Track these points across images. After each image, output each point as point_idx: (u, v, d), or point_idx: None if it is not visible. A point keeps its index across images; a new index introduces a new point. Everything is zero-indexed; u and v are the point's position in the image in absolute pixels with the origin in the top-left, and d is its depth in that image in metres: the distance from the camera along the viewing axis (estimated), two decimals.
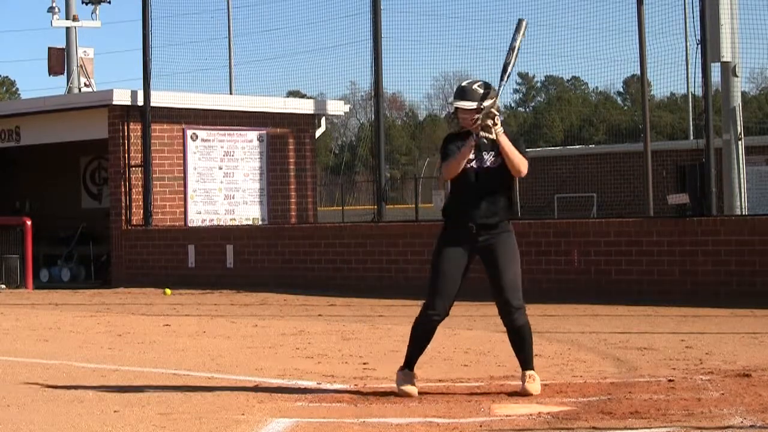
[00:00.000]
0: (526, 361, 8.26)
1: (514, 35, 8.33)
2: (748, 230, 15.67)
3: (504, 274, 8.15)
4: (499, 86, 8.25)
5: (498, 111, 8.10)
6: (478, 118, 8.09)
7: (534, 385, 8.17)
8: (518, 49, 8.31)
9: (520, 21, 8.37)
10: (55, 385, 9.13)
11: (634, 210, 30.30)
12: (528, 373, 8.21)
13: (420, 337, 8.34)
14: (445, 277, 8.18)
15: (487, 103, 8.10)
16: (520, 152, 8.16)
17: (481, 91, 8.14)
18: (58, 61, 28.44)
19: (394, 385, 8.34)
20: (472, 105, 8.12)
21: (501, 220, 8.21)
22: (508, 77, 8.29)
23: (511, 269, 8.17)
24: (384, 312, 15.83)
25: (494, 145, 8.15)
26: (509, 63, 8.29)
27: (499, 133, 8.07)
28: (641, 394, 8.15)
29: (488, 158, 8.18)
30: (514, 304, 8.16)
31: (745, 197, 17.90)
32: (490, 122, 8.04)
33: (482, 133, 8.04)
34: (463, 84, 8.26)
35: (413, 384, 8.26)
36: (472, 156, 8.15)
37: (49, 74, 28.76)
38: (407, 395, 8.17)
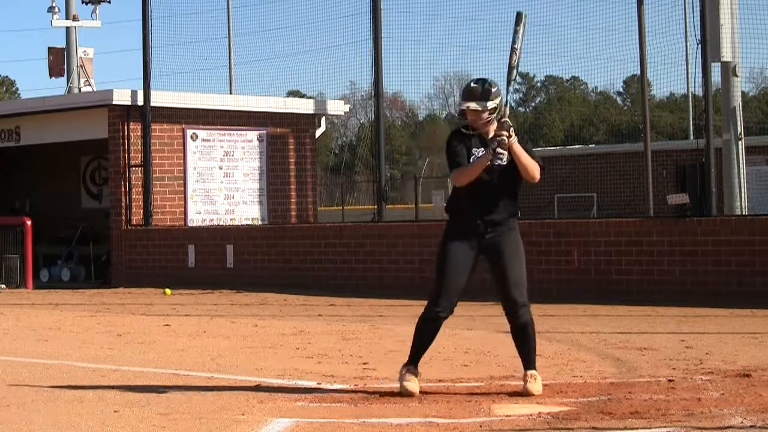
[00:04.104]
0: (528, 360, 8.25)
1: (514, 35, 8.30)
2: (748, 230, 15.66)
3: (509, 270, 8.14)
4: (507, 91, 8.22)
5: (509, 122, 8.08)
6: (488, 122, 8.07)
7: (535, 384, 8.16)
8: (521, 49, 8.29)
9: (519, 15, 8.31)
10: (55, 385, 9.13)
11: (634, 210, 30.28)
12: (530, 372, 8.20)
13: (425, 335, 8.32)
14: (452, 274, 8.17)
15: (491, 104, 8.09)
16: (532, 158, 8.16)
17: (491, 89, 8.12)
18: (58, 62, 28.45)
19: (394, 385, 8.34)
20: (482, 106, 8.10)
21: (508, 218, 8.21)
22: (514, 80, 8.26)
23: (516, 265, 8.17)
24: (384, 312, 15.83)
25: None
26: (514, 66, 8.26)
27: (513, 143, 8.04)
28: (641, 394, 8.15)
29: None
30: (519, 300, 8.16)
31: (745, 197, 17.89)
32: (505, 134, 8.00)
33: (498, 150, 7.98)
34: (472, 85, 8.21)
35: (415, 380, 8.24)
36: (480, 154, 8.13)
37: (50, 76, 28.79)
38: (408, 392, 8.15)
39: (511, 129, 8.04)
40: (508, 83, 8.23)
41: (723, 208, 17.69)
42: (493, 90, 8.13)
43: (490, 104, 8.10)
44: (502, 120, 8.06)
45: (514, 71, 8.25)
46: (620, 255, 16.59)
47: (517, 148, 8.07)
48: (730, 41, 17.46)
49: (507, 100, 8.16)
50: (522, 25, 8.27)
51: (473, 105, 8.12)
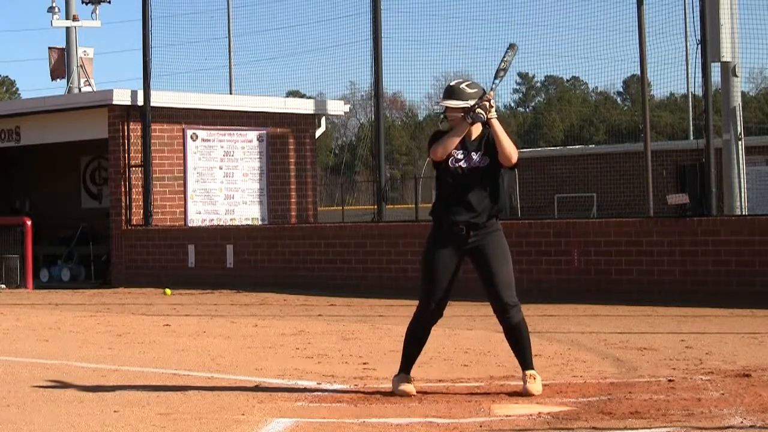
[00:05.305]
0: (525, 360, 8.26)
1: (506, 53, 8.42)
2: (748, 230, 15.67)
3: (497, 273, 8.16)
4: (493, 83, 8.30)
5: (491, 102, 8.18)
6: (475, 106, 8.13)
7: (535, 384, 8.16)
8: (510, 63, 8.41)
9: (511, 45, 8.47)
10: (55, 385, 9.14)
11: (634, 210, 30.30)
12: (528, 372, 8.21)
13: (415, 341, 8.35)
14: (438, 280, 8.19)
15: (462, 104, 8.18)
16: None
17: (469, 90, 8.21)
18: (60, 64, 28.45)
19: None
20: (461, 104, 8.17)
21: (489, 219, 8.22)
22: (501, 79, 8.35)
23: (504, 268, 8.19)
24: (384, 312, 15.83)
25: (482, 145, 8.20)
26: (502, 68, 8.37)
27: (493, 115, 8.14)
28: (641, 394, 8.15)
29: (476, 158, 8.22)
30: (510, 302, 8.18)
31: (745, 197, 17.90)
32: (486, 104, 8.12)
33: (478, 110, 8.09)
34: (452, 84, 8.34)
35: (410, 384, 8.27)
36: (461, 156, 8.20)
37: (52, 79, 28.78)
38: (406, 394, 8.18)
39: (492, 101, 8.16)
40: (496, 77, 8.32)
41: (723, 208, 17.69)
42: (470, 91, 8.20)
43: (462, 103, 8.17)
44: (486, 94, 8.18)
45: (503, 72, 8.35)
46: (620, 255, 16.59)
47: (496, 123, 8.15)
48: (730, 41, 17.47)
49: (492, 87, 8.24)
50: (513, 51, 8.41)
51: (448, 103, 8.23)
